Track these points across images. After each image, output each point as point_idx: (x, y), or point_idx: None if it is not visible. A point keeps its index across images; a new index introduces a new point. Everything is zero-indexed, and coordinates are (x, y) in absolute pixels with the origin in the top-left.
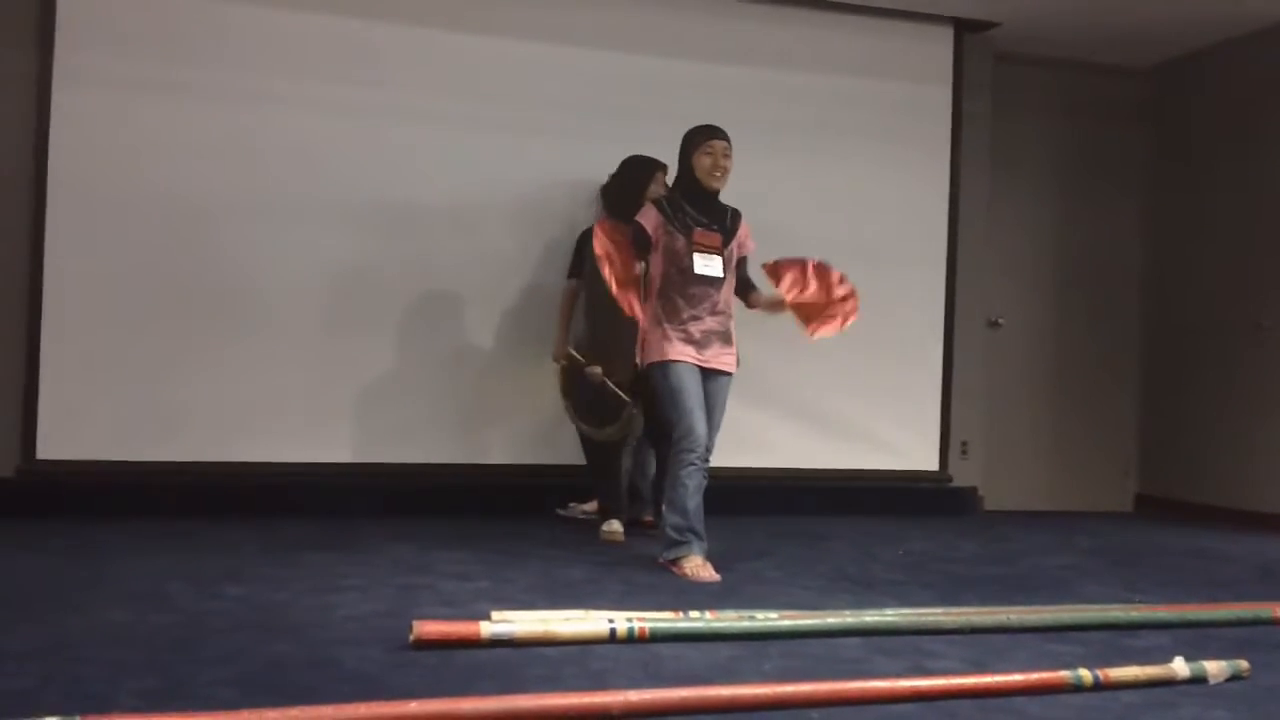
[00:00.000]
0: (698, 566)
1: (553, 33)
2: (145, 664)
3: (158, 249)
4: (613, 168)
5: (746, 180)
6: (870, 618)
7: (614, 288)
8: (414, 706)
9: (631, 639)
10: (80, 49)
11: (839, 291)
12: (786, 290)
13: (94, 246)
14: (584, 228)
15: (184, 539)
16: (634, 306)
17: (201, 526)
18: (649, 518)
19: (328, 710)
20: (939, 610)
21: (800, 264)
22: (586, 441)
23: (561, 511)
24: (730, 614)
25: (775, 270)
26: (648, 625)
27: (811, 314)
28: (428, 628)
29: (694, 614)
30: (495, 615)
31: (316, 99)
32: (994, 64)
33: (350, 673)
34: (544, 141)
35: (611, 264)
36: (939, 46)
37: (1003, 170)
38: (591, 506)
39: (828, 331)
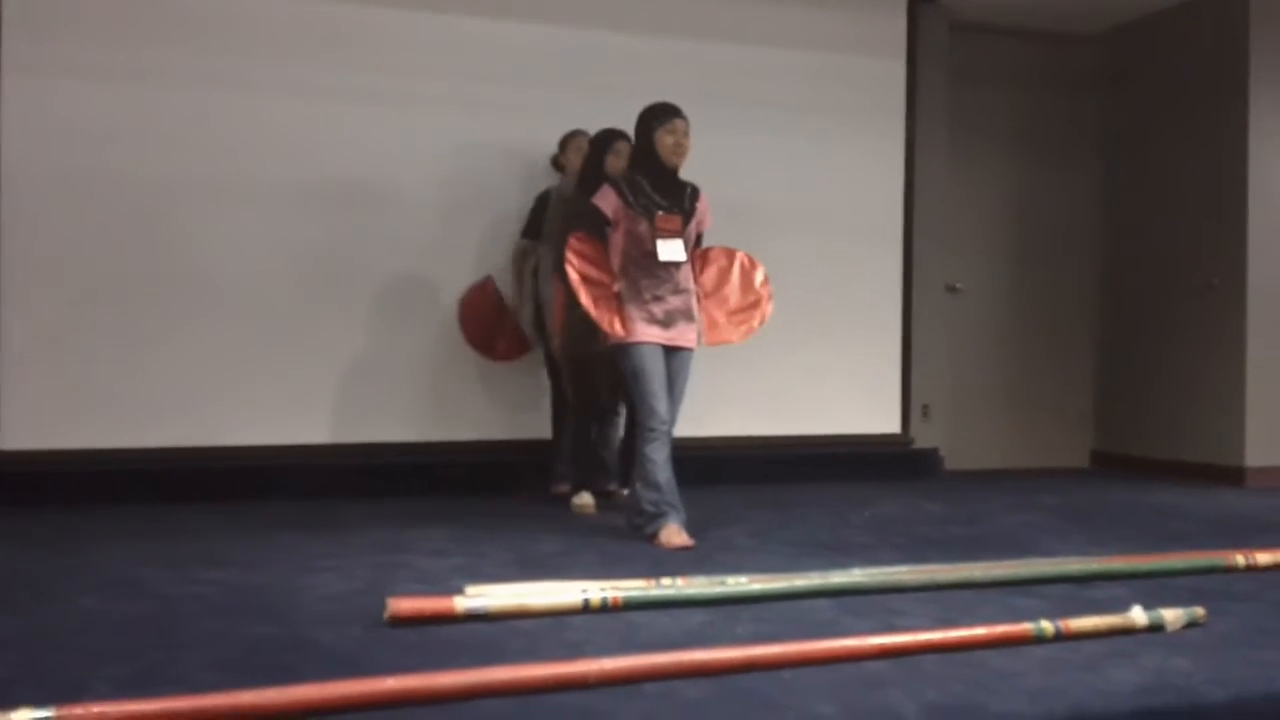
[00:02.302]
0: (672, 534)
1: (513, 9)
2: (121, 650)
3: (119, 234)
4: None
5: (703, 155)
6: (838, 579)
7: (593, 311)
8: (391, 683)
9: (605, 609)
10: (34, 34)
11: (757, 293)
12: (705, 285)
13: (54, 234)
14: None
15: (157, 524)
16: (614, 324)
17: (174, 511)
18: (614, 487)
19: (305, 689)
20: (905, 569)
21: (729, 257)
22: (558, 410)
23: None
24: (702, 580)
25: (704, 258)
26: (621, 595)
27: (719, 314)
28: (402, 605)
29: (666, 581)
30: (470, 590)
31: (277, 80)
32: (949, 33)
33: (328, 652)
34: (506, 118)
35: (588, 285)
36: (893, 17)
37: (960, 138)
38: (566, 488)
39: (728, 339)
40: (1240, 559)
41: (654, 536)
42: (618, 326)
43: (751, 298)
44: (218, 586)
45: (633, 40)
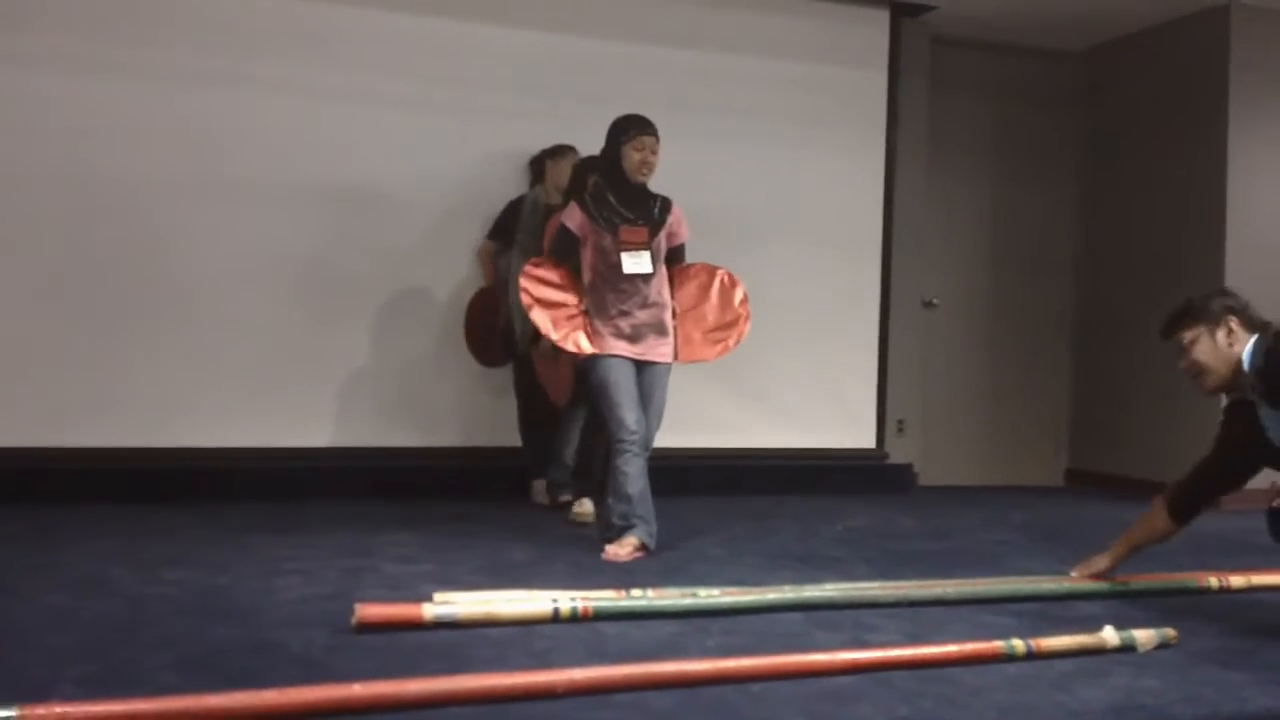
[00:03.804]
0: (620, 545)
1: (495, 14)
2: (86, 650)
3: (92, 232)
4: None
5: (683, 165)
6: (810, 593)
7: (555, 337)
8: (359, 689)
9: (575, 618)
10: (5, 26)
11: (736, 312)
12: (683, 301)
13: (25, 231)
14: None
15: (125, 524)
16: (577, 343)
17: (143, 512)
18: (567, 497)
19: (271, 695)
20: (876, 584)
21: (709, 273)
22: (527, 418)
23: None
24: (673, 592)
25: (683, 274)
26: (591, 605)
27: (695, 332)
28: (369, 611)
29: (636, 593)
30: (438, 597)
31: (255, 80)
32: (930, 47)
33: (294, 656)
34: (483, 122)
35: (544, 307)
36: (875, 29)
37: (939, 152)
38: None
39: (703, 357)
40: (1214, 580)
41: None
42: (580, 344)
43: (729, 316)
44: (184, 588)
45: (619, 47)
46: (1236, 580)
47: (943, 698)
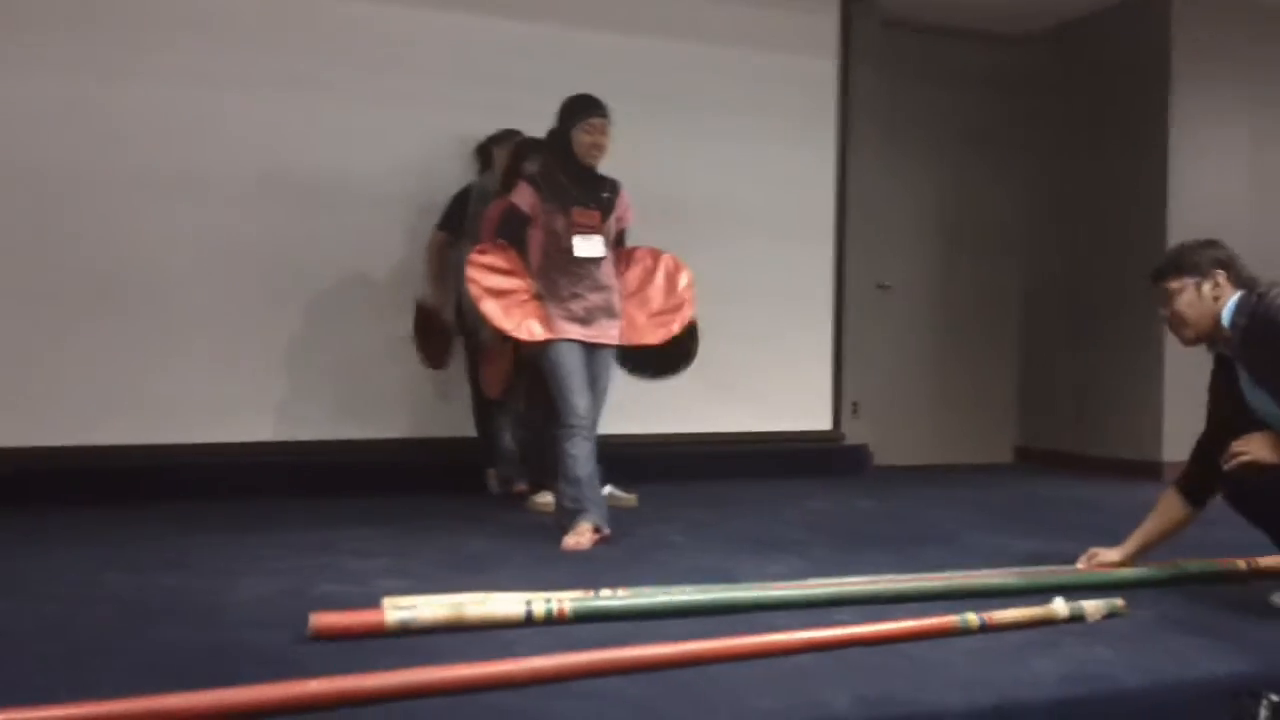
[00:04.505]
0: (579, 533)
1: (444, 1)
2: (37, 654)
3: (39, 228)
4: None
5: (634, 152)
6: (784, 591)
7: (506, 328)
8: (316, 686)
9: (550, 620)
10: None
11: (680, 298)
12: (629, 284)
13: None
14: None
15: (77, 526)
16: (532, 330)
17: (95, 513)
18: (522, 487)
19: (229, 694)
20: (854, 579)
21: (654, 258)
22: (481, 408)
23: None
24: (647, 590)
25: (629, 258)
26: (569, 606)
27: (639, 315)
28: (326, 620)
29: (605, 592)
30: (403, 601)
31: (203, 71)
32: (881, 31)
33: (251, 654)
34: (433, 110)
35: (493, 295)
36: (825, 15)
37: (892, 137)
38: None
39: (646, 340)
40: (1242, 564)
41: (566, 532)
42: (534, 330)
43: (674, 301)
44: (138, 589)
45: (567, 35)
46: (1266, 562)
47: (902, 673)
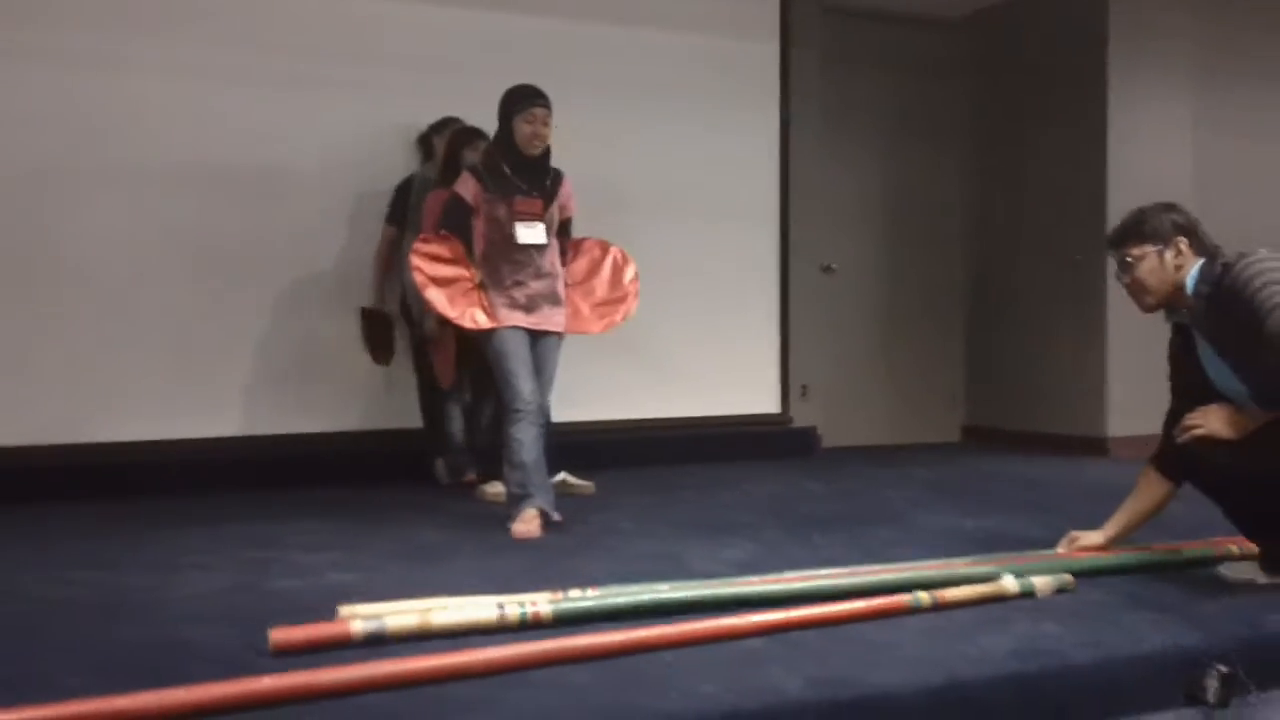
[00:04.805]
0: (525, 521)
1: None
2: None
3: None
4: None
5: (575, 139)
6: (767, 587)
7: (451, 315)
8: (268, 682)
9: (525, 626)
10: None
11: (625, 290)
12: (575, 274)
13: None
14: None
15: (20, 525)
16: (473, 317)
17: (39, 511)
18: (472, 476)
19: (178, 693)
20: (827, 571)
21: (602, 249)
22: (428, 399)
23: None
24: (616, 589)
25: (576, 248)
26: (548, 609)
27: (583, 305)
28: (286, 635)
29: (575, 592)
30: (363, 609)
31: (143, 61)
32: (820, 16)
33: (200, 652)
34: (378, 98)
35: (438, 285)
36: (765, 0)
37: (835, 121)
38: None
39: (589, 329)
40: (1234, 548)
41: (513, 520)
42: (477, 319)
43: (618, 293)
44: (85, 587)
45: (509, 21)
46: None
47: (852, 654)
